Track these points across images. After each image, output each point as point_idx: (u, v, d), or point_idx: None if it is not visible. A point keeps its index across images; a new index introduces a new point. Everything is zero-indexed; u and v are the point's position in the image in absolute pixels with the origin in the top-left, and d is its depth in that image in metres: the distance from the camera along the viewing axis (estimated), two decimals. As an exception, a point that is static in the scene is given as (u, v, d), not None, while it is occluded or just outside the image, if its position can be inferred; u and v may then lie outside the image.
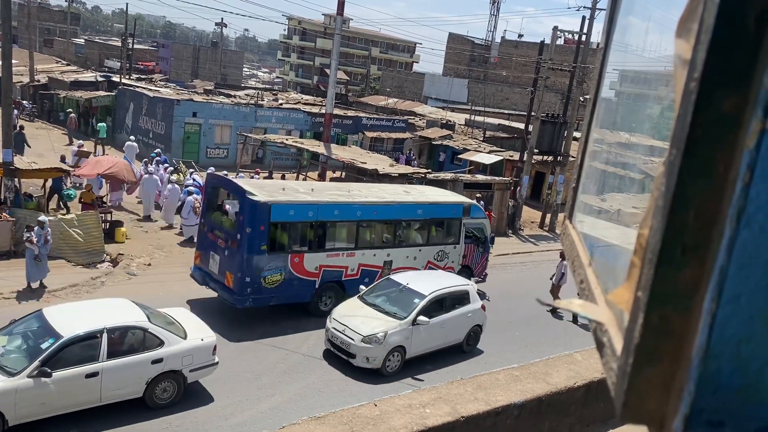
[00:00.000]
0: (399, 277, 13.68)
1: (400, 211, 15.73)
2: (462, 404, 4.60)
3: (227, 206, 15.18)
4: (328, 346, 12.53)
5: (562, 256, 17.09)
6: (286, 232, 13.95)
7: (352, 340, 11.99)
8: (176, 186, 20.21)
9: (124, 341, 9.91)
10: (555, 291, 17.26)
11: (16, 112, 30.69)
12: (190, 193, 18.98)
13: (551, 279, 17.60)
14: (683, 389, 0.69)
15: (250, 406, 10.64)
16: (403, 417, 4.28)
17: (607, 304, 0.98)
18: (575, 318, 16.50)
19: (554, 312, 16.94)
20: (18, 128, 27.25)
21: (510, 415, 4.71)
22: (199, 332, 10.78)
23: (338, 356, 12.37)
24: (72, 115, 33.23)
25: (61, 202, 19.38)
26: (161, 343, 10.04)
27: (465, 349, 13.69)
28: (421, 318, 12.42)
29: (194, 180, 21.23)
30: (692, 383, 0.68)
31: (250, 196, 13.26)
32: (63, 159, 22.60)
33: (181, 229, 19.39)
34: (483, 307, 14.00)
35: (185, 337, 10.43)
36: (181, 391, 10.36)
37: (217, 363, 10.75)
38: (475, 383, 4.95)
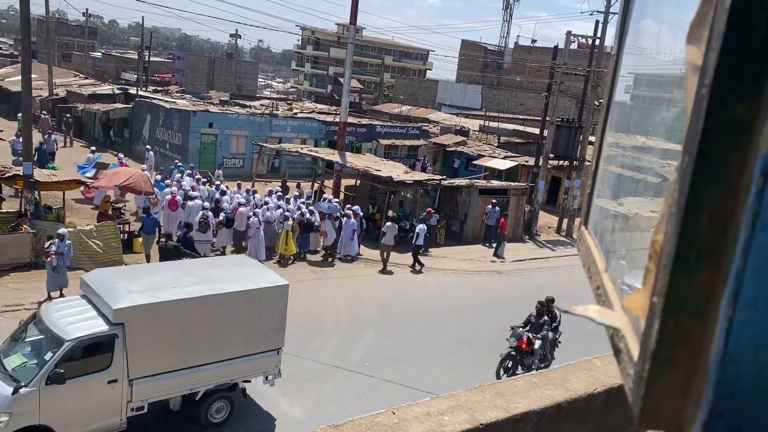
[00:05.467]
0: None
1: None
2: (481, 411, 4.57)
3: None
4: None
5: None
6: None
7: None
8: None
9: None
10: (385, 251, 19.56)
11: (54, 136, 30.13)
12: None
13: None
14: (701, 395, 0.69)
15: (268, 415, 10.67)
16: (422, 425, 4.26)
17: (623, 310, 0.98)
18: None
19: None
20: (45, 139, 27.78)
21: (529, 422, 4.66)
22: None
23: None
24: (45, 116, 33.60)
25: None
26: None
27: None
28: None
29: (221, 192, 21.22)
30: (710, 388, 0.68)
31: None
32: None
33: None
34: None
35: None
36: None
37: None
38: (493, 390, 4.91)
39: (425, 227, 20.26)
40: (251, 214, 18.91)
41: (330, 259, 19.89)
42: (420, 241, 19.88)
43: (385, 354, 13.45)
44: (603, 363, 6.34)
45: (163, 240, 17.74)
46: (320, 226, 19.72)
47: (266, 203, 20.55)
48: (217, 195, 20.98)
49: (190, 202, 19.28)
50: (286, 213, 19.71)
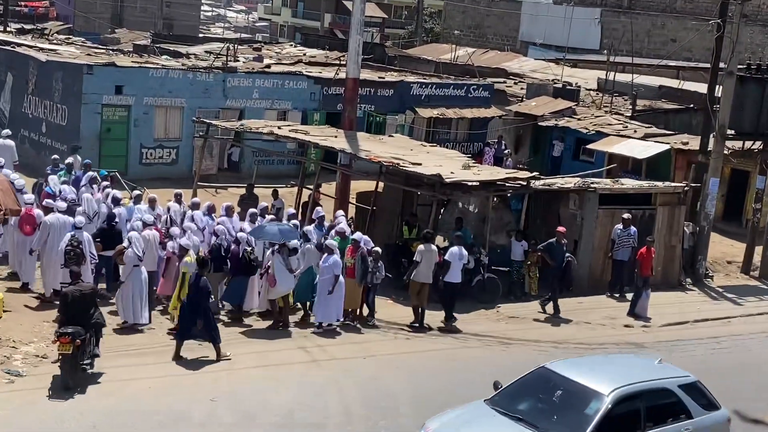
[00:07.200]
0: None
1: None
2: None
3: None
4: None
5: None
6: None
7: None
8: None
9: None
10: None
11: None
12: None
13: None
14: None
15: None
16: None
17: None
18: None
19: None
20: None
21: None
22: None
23: None
24: None
25: None
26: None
27: None
28: None
29: (114, 199, 21.33)
30: None
31: None
32: None
33: None
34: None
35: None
36: None
37: None
38: None
39: (465, 253, 20.27)
40: (127, 243, 18.07)
41: (280, 326, 19.02)
42: (454, 276, 20.03)
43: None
44: None
45: (67, 283, 17.45)
46: (267, 265, 18.89)
47: (192, 220, 20.35)
48: (107, 207, 20.94)
49: (48, 217, 19.23)
50: (189, 240, 18.67)
